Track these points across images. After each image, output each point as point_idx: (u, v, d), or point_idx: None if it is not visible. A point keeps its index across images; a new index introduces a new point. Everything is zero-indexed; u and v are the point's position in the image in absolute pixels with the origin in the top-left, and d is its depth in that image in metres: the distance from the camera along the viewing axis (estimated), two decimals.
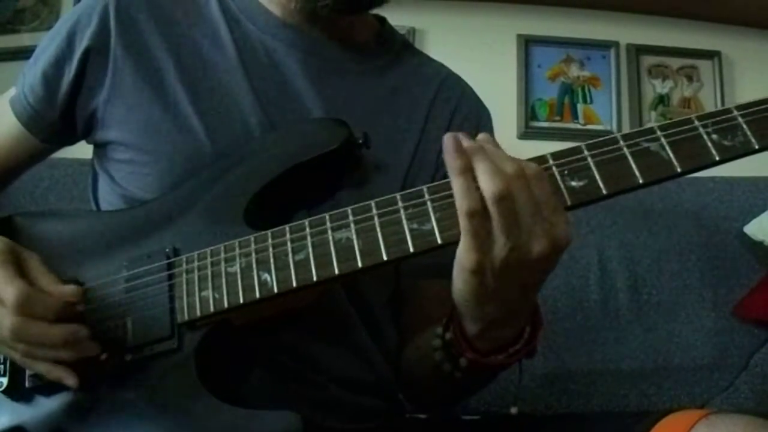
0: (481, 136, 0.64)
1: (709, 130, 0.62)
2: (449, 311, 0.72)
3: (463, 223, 0.60)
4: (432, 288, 0.88)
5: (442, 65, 0.99)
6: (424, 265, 0.86)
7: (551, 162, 0.63)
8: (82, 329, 0.69)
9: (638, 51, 2.03)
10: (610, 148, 0.62)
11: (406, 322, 0.91)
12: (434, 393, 0.86)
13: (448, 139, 0.61)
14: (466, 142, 0.61)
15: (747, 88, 1.98)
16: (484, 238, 0.59)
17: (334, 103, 0.85)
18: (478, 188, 0.59)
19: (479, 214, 0.59)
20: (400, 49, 0.96)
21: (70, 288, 0.71)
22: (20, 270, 0.70)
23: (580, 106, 2.00)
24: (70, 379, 0.69)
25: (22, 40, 1.91)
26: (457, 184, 0.60)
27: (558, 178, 0.62)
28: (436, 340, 0.74)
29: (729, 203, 1.63)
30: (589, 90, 2.01)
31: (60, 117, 0.87)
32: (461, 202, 0.59)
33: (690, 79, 2.03)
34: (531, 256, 0.59)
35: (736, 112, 0.62)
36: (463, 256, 0.61)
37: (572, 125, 1.98)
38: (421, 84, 0.93)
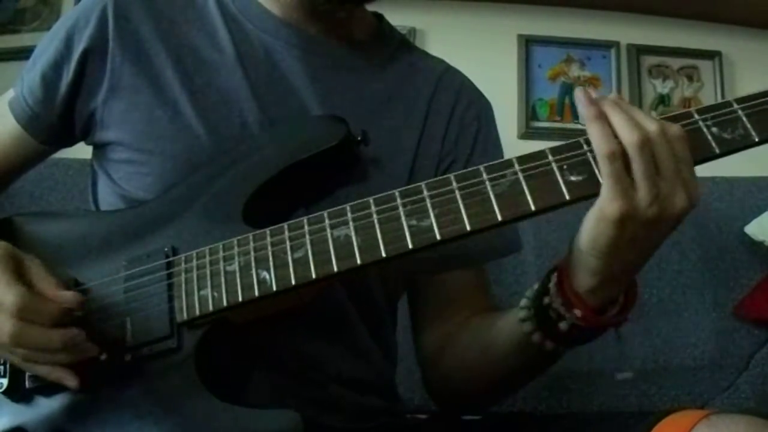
0: (612, 96, 0.65)
1: (709, 123, 0.62)
2: (549, 273, 0.71)
3: (604, 168, 0.60)
4: (454, 280, 0.89)
5: (440, 60, 0.99)
6: (440, 259, 0.86)
7: (550, 157, 0.63)
8: (80, 334, 0.68)
9: (639, 51, 2.03)
10: None
11: (429, 317, 0.91)
12: (501, 379, 0.83)
13: (579, 92, 0.63)
14: (596, 95, 0.63)
15: (747, 88, 1.95)
16: (628, 184, 0.60)
17: (332, 101, 0.85)
18: (615, 135, 0.61)
19: (619, 156, 0.60)
20: (398, 46, 0.96)
21: (70, 294, 0.70)
22: (20, 274, 0.70)
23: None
24: (70, 381, 0.69)
25: (22, 40, 1.91)
26: (594, 129, 0.61)
27: (557, 172, 0.63)
28: (522, 311, 0.72)
29: (729, 203, 1.63)
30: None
31: (59, 118, 0.87)
32: (600, 146, 0.60)
33: (690, 79, 2.03)
34: (673, 210, 0.61)
35: (735, 105, 0.63)
36: (606, 204, 0.61)
37: (573, 125, 1.98)
38: (420, 80, 0.93)
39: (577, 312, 0.68)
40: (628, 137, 0.60)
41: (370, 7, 0.92)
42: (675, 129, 0.61)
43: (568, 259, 0.68)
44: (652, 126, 0.61)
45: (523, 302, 0.73)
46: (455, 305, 0.89)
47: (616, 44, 2.02)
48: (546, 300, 0.70)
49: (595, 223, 0.63)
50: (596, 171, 0.62)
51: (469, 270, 0.91)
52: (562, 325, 0.69)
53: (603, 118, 0.61)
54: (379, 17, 0.97)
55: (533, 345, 0.72)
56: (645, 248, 0.64)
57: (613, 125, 0.61)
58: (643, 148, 0.60)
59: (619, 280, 0.67)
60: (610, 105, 0.63)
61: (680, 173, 0.61)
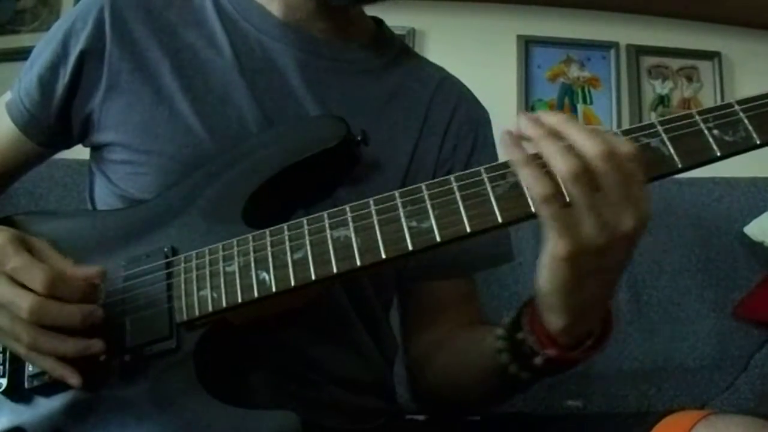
0: (551, 119, 0.61)
1: (710, 125, 0.61)
2: (522, 307, 0.70)
3: (543, 211, 0.58)
4: (443, 288, 0.88)
5: (440, 68, 0.99)
6: (431, 266, 0.86)
7: None
8: (98, 309, 0.69)
9: (638, 51, 2.03)
10: None
11: (417, 323, 0.91)
12: (481, 397, 0.83)
13: (504, 136, 0.60)
14: (532, 130, 0.60)
15: (747, 89, 1.98)
16: (570, 221, 0.58)
17: (331, 103, 0.85)
18: (547, 173, 0.58)
19: (554, 197, 0.57)
20: (398, 51, 0.96)
21: (94, 268, 0.70)
22: (36, 255, 0.70)
23: (580, 107, 2.00)
24: (73, 378, 0.68)
25: (22, 40, 1.92)
26: (524, 176, 0.59)
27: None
28: (499, 341, 0.72)
29: (729, 204, 1.63)
30: (589, 91, 2.01)
31: (56, 120, 0.87)
32: (533, 191, 0.58)
33: (690, 79, 2.03)
34: (621, 233, 0.58)
35: (737, 107, 0.62)
36: (554, 244, 0.59)
37: None
38: (419, 85, 0.93)
39: (550, 351, 0.68)
40: (560, 168, 0.57)
41: (370, 11, 0.92)
42: (624, 148, 0.58)
43: (536, 300, 0.67)
44: (592, 150, 0.57)
45: (500, 332, 0.72)
46: (443, 314, 0.89)
47: (615, 45, 2.02)
48: (520, 335, 0.70)
49: (549, 263, 0.61)
50: None
51: (459, 279, 0.91)
52: (537, 360, 0.69)
53: (530, 160, 0.58)
54: (379, 22, 0.97)
55: (511, 375, 0.72)
56: (605, 278, 0.63)
57: (546, 159, 0.58)
58: (577, 180, 0.56)
59: (588, 315, 0.66)
60: (543, 137, 0.59)
61: (628, 193, 0.57)
